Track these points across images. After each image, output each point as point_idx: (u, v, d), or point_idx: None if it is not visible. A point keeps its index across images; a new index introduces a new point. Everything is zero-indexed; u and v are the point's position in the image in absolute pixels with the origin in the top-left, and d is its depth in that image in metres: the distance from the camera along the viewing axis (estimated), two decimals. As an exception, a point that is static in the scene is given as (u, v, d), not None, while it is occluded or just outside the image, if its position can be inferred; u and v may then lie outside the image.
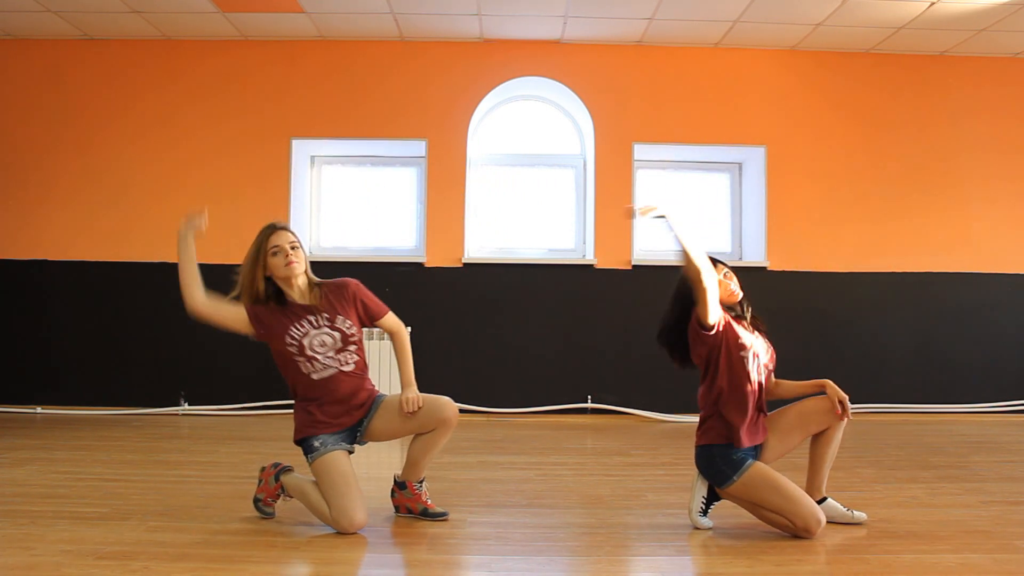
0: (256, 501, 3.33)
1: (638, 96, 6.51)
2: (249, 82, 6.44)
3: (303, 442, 3.23)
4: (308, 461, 3.20)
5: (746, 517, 3.38)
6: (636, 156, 6.56)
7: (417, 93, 6.44)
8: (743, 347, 3.17)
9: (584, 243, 6.66)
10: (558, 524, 3.30)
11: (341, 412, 3.25)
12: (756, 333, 3.31)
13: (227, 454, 4.75)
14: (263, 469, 3.37)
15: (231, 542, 2.97)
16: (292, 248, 3.25)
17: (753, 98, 6.55)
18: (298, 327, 3.23)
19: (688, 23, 6.09)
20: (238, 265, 6.18)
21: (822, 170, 6.54)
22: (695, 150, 6.69)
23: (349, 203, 6.77)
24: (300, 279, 3.29)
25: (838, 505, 3.28)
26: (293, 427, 3.28)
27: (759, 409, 3.22)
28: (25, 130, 6.43)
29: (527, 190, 6.80)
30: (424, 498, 3.33)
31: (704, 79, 6.53)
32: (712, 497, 3.26)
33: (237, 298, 3.35)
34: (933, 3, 5.58)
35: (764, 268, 6.37)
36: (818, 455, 3.29)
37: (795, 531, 3.08)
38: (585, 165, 6.73)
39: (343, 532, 3.05)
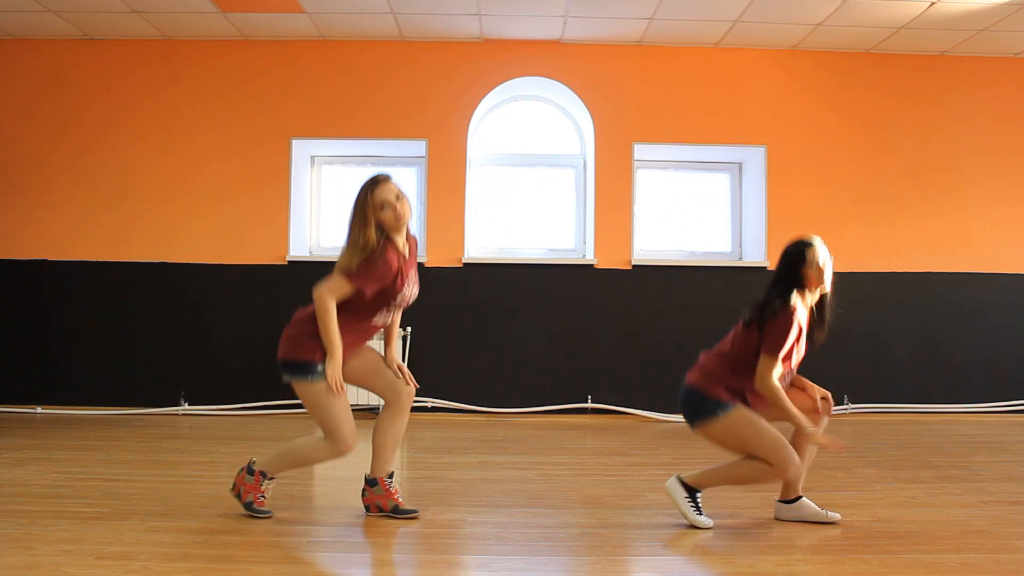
0: (248, 506, 3.30)
1: (638, 96, 6.51)
2: (249, 82, 6.44)
3: (300, 364, 3.15)
4: (305, 380, 3.13)
5: (746, 517, 3.38)
6: (636, 156, 6.55)
7: (417, 93, 6.44)
8: (790, 356, 3.20)
9: (584, 243, 6.66)
10: (558, 524, 3.30)
11: (356, 345, 3.28)
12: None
13: (227, 454, 4.75)
14: (233, 486, 3.34)
15: (231, 542, 2.98)
16: (398, 199, 3.18)
17: (753, 98, 6.55)
18: (408, 277, 3.23)
19: (688, 23, 6.09)
20: (238, 265, 6.21)
21: (822, 170, 6.54)
22: (695, 150, 6.68)
23: (349, 203, 6.76)
24: (404, 232, 3.27)
25: (812, 504, 3.29)
26: (287, 346, 3.17)
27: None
28: (25, 130, 6.42)
29: (527, 190, 6.79)
30: (396, 495, 3.32)
31: (704, 79, 6.52)
32: (692, 491, 3.27)
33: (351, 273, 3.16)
34: (933, 3, 5.58)
35: (764, 268, 6.36)
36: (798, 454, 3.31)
37: (770, 475, 3.14)
38: (585, 165, 6.73)
39: (339, 456, 3.16)
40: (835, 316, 3.44)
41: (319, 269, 6.70)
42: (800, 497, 3.31)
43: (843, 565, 2.78)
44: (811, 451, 3.33)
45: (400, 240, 3.24)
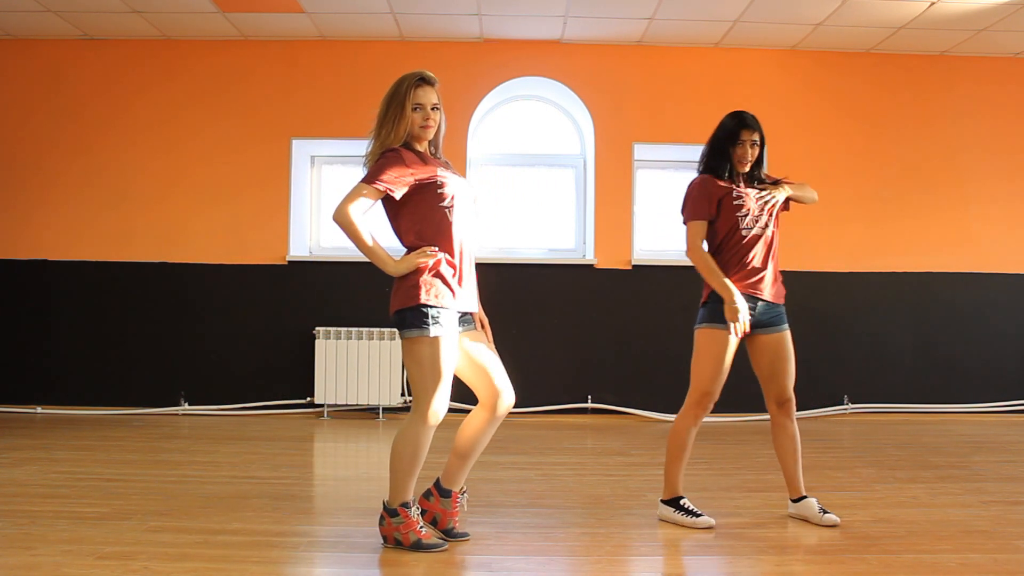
0: (418, 546, 2.88)
1: (638, 96, 6.51)
2: (249, 82, 6.44)
3: (425, 309, 2.83)
4: (420, 332, 2.82)
5: (745, 516, 3.39)
6: (636, 156, 6.55)
7: (417, 93, 6.43)
8: (739, 208, 3.31)
9: (584, 243, 6.66)
10: (558, 524, 3.30)
11: (466, 289, 2.97)
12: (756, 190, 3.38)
13: (227, 454, 4.75)
14: (385, 540, 2.94)
15: (231, 542, 2.98)
16: (433, 110, 2.95)
17: (753, 98, 6.52)
18: (441, 169, 2.95)
19: (688, 23, 6.08)
20: (238, 265, 6.20)
21: (822, 170, 6.53)
22: (695, 150, 6.62)
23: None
24: (425, 144, 3.00)
25: (814, 505, 3.29)
26: (409, 292, 2.85)
27: (756, 261, 3.33)
28: (25, 130, 6.42)
29: (527, 190, 6.79)
30: (456, 517, 3.04)
31: (704, 79, 6.52)
32: (674, 501, 3.29)
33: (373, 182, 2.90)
34: (933, 3, 5.58)
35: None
36: (780, 453, 3.36)
37: (683, 410, 3.29)
38: (585, 165, 6.73)
39: (432, 427, 2.86)
40: (837, 315, 3.45)
41: (319, 269, 6.72)
42: (804, 497, 3.32)
43: (843, 565, 2.78)
44: (791, 446, 3.32)
45: (420, 148, 2.98)
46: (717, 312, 3.25)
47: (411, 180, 2.89)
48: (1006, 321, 6.55)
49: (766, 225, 3.34)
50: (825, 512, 3.26)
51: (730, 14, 5.89)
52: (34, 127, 6.42)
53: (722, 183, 3.34)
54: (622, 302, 6.41)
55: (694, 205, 3.34)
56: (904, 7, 5.67)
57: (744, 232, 3.30)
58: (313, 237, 6.72)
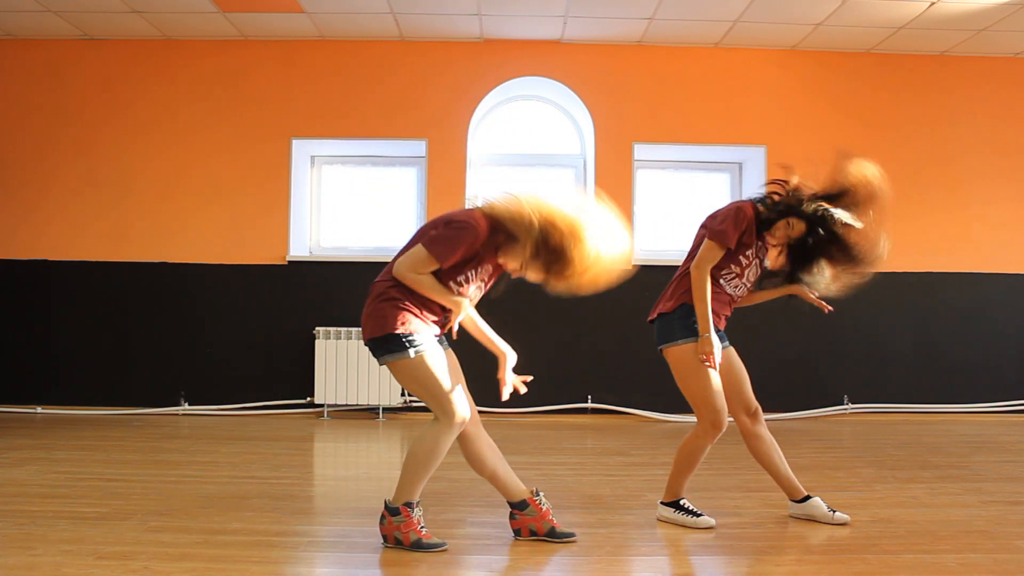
0: (418, 546, 2.88)
1: (638, 96, 6.51)
2: (249, 82, 6.44)
3: (399, 337, 2.83)
4: (405, 355, 2.83)
5: (745, 516, 3.39)
6: (636, 156, 6.55)
7: (417, 93, 6.44)
8: (737, 264, 3.28)
9: (584, 243, 6.65)
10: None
11: (436, 318, 3.01)
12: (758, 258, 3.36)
13: (227, 454, 4.75)
14: (385, 539, 2.94)
15: (231, 542, 2.98)
16: (584, 272, 3.14)
17: (753, 98, 6.54)
18: (472, 275, 3.04)
19: (688, 23, 6.09)
20: (238, 265, 6.14)
21: (823, 170, 6.53)
22: (695, 150, 6.68)
23: (349, 203, 6.76)
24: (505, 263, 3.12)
25: (822, 505, 3.28)
26: (379, 322, 2.86)
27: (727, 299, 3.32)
28: (25, 130, 6.42)
29: (527, 190, 6.78)
30: (550, 515, 3.04)
31: (704, 79, 6.52)
32: (675, 503, 3.28)
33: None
34: (933, 3, 5.58)
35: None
36: (766, 462, 3.34)
37: (702, 438, 3.17)
38: (585, 165, 6.73)
39: (459, 429, 2.90)
40: (836, 313, 3.44)
41: (319, 269, 6.70)
42: (809, 496, 3.31)
43: (843, 565, 2.78)
44: (774, 452, 3.32)
45: (501, 260, 3.11)
46: (694, 326, 3.18)
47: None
48: (1006, 321, 6.55)
49: (748, 282, 3.34)
50: (834, 512, 3.25)
51: (730, 14, 5.89)
52: (34, 127, 6.42)
53: (755, 236, 3.26)
54: (622, 302, 6.40)
55: (727, 230, 3.20)
56: (904, 7, 5.68)
57: (722, 283, 3.28)
58: (313, 237, 6.72)
